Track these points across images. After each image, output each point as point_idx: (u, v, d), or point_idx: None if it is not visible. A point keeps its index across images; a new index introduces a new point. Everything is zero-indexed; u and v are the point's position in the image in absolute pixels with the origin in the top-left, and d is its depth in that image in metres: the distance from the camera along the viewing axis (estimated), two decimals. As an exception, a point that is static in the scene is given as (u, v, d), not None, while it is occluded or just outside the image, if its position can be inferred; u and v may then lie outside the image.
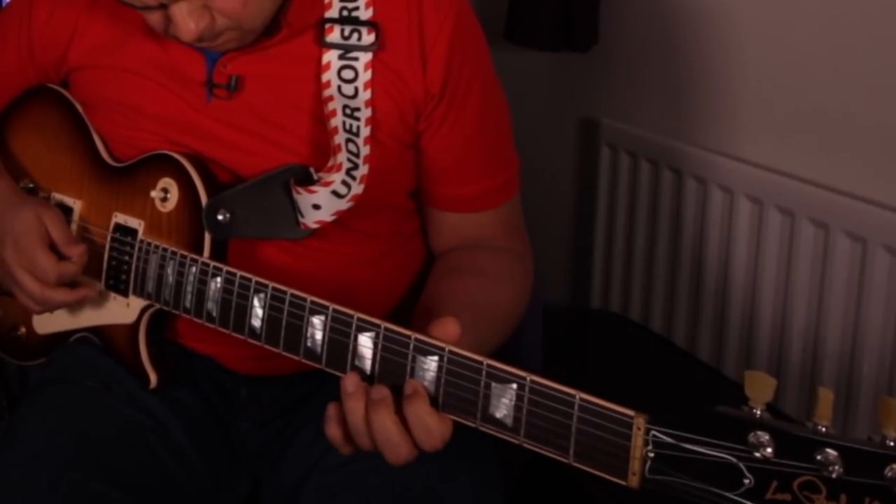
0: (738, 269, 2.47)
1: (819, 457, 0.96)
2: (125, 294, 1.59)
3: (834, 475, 0.95)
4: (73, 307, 1.65)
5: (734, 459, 1.00)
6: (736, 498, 0.99)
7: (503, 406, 1.17)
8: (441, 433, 1.24)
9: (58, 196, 1.71)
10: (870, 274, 2.14)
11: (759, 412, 1.00)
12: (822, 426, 0.98)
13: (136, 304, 1.58)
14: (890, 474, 0.93)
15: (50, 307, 1.64)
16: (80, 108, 1.70)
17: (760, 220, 2.39)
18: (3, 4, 2.47)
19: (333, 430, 1.29)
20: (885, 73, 2.13)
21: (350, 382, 1.27)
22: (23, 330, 1.76)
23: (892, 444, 0.94)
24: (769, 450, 0.98)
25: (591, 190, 3.01)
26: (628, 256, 2.87)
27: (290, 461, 1.62)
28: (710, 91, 2.56)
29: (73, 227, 1.67)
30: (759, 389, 1.00)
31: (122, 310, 1.60)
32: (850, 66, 2.21)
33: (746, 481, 0.99)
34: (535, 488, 2.05)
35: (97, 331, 1.65)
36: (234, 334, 1.44)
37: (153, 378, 1.59)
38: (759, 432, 0.98)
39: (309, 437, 1.60)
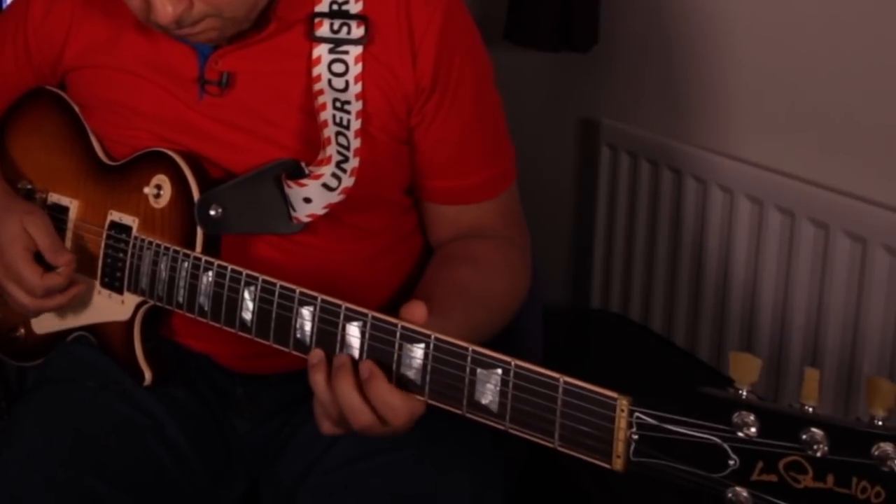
0: (738, 269, 2.46)
1: (804, 436, 0.95)
2: (120, 291, 1.59)
3: (819, 454, 0.94)
4: (70, 307, 1.65)
5: (718, 440, 0.99)
6: (721, 479, 0.99)
7: (489, 392, 1.17)
8: (408, 409, 1.26)
9: (55, 196, 1.71)
10: (870, 274, 2.13)
11: (744, 393, 1.00)
12: (809, 406, 0.97)
13: (130, 300, 1.58)
14: (877, 453, 0.92)
15: (43, 313, 1.65)
16: (76, 109, 1.71)
17: (760, 220, 2.38)
18: (3, 5, 2.49)
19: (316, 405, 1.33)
20: (885, 73, 2.13)
21: (313, 355, 1.32)
22: (21, 331, 1.76)
23: (879, 423, 0.93)
24: (753, 430, 0.97)
25: (591, 190, 3.01)
26: (628, 256, 2.86)
27: (288, 460, 1.62)
28: (710, 91, 2.56)
29: (70, 226, 1.67)
30: (744, 370, 0.99)
31: (117, 307, 1.60)
32: (850, 66, 2.20)
33: (731, 462, 0.98)
34: (534, 490, 2.04)
35: (93, 329, 1.65)
36: (225, 328, 1.44)
37: (147, 375, 1.59)
38: (744, 412, 0.97)
39: (307, 437, 1.60)
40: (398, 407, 1.25)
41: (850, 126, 2.21)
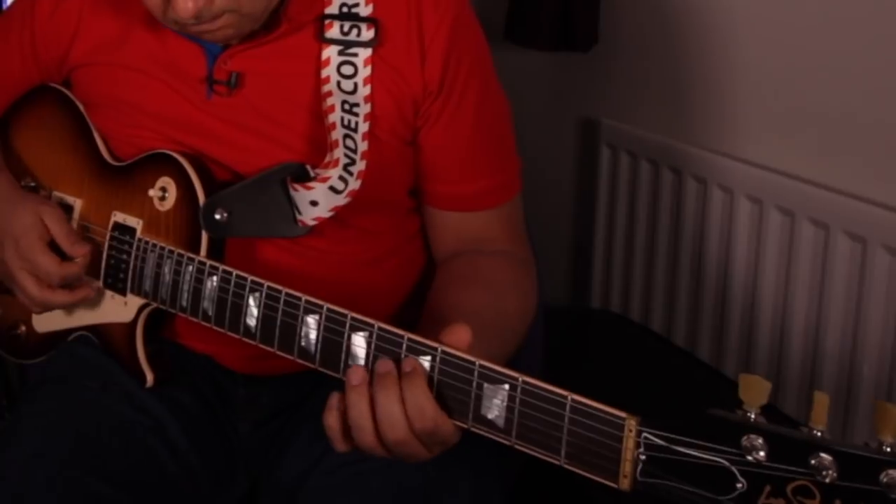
0: (738, 269, 2.46)
1: (813, 461, 0.95)
2: (123, 293, 1.59)
3: (828, 480, 0.94)
4: (72, 306, 1.65)
5: (727, 463, 0.99)
6: (728, 502, 0.99)
7: (495, 407, 1.17)
8: (434, 416, 1.21)
9: (58, 195, 1.71)
10: (870, 274, 2.14)
11: (753, 415, 0.99)
12: (818, 431, 0.97)
13: (133, 302, 1.58)
14: (885, 480, 0.92)
15: (50, 308, 1.64)
16: (81, 107, 1.70)
17: (760, 220, 2.39)
18: (4, 6, 2.48)
19: (332, 421, 1.27)
20: (885, 73, 2.13)
21: (356, 375, 1.25)
22: (23, 329, 1.75)
23: (888, 449, 0.93)
24: (762, 453, 0.97)
25: (591, 190, 3.01)
26: (628, 256, 2.86)
27: (288, 461, 1.62)
28: (710, 91, 2.56)
29: (74, 225, 1.67)
30: (754, 393, 0.99)
31: (119, 308, 1.60)
32: (850, 66, 2.20)
33: (739, 485, 0.98)
34: (534, 491, 2.04)
35: (95, 329, 1.65)
36: (229, 333, 1.44)
37: (149, 377, 1.59)
38: (753, 436, 0.97)
39: (308, 438, 1.60)
40: (428, 410, 1.22)
41: (850, 126, 2.21)
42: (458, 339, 1.24)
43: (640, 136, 2.78)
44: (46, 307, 1.63)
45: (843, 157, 2.24)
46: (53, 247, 1.59)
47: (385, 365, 1.24)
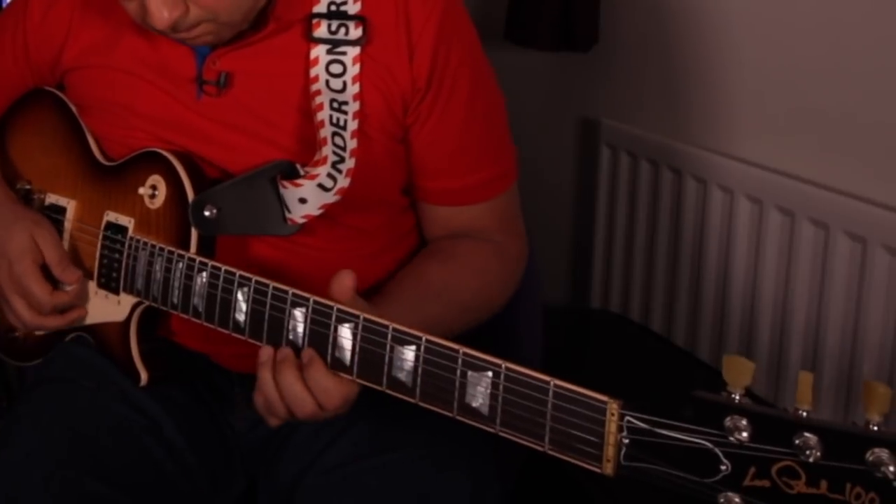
0: (738, 269, 2.46)
1: (797, 441, 0.94)
2: (116, 292, 1.59)
3: (811, 459, 0.93)
4: (68, 308, 1.64)
5: (710, 445, 0.98)
6: (713, 484, 0.98)
7: (479, 394, 1.17)
8: (340, 392, 1.33)
9: (53, 196, 1.71)
10: (870, 274, 2.13)
11: (737, 397, 0.99)
12: (803, 410, 0.96)
13: (126, 301, 1.58)
14: (871, 458, 0.91)
15: (40, 331, 1.66)
16: (75, 109, 1.71)
17: (760, 220, 2.38)
18: (3, 5, 2.49)
19: (256, 397, 1.40)
20: (885, 73, 2.12)
21: (263, 352, 1.37)
22: (19, 331, 1.75)
23: (874, 427, 0.92)
24: (745, 434, 0.96)
25: (591, 190, 3.01)
26: (628, 256, 2.86)
27: (285, 461, 1.61)
28: (710, 91, 2.56)
29: (67, 226, 1.67)
30: (737, 373, 0.98)
31: (113, 308, 1.60)
32: (849, 66, 2.20)
33: (723, 467, 0.98)
34: (534, 490, 2.04)
35: (91, 330, 1.65)
36: (219, 329, 1.44)
37: (143, 376, 1.59)
38: (736, 416, 0.96)
39: (305, 437, 1.60)
40: (332, 389, 1.32)
41: (850, 126, 2.21)
42: (341, 284, 1.32)
43: (640, 136, 2.77)
44: (37, 330, 1.65)
45: (843, 157, 2.23)
46: (46, 269, 1.60)
47: (283, 352, 1.36)
